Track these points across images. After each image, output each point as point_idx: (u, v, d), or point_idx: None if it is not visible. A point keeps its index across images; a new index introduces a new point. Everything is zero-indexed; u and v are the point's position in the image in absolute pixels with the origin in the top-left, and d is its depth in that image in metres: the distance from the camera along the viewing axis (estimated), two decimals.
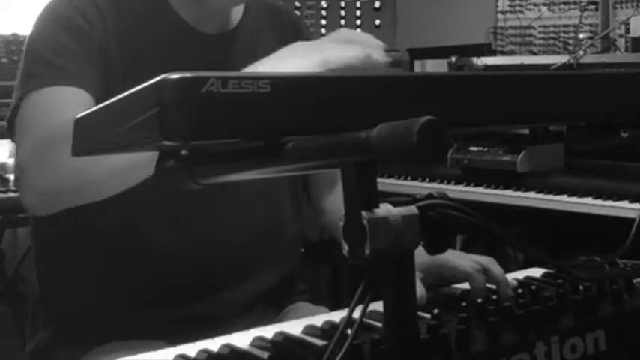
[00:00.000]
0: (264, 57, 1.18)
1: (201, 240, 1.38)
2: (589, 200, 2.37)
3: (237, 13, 1.46)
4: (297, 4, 3.25)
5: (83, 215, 1.35)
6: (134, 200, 1.27)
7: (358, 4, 3.25)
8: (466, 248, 3.00)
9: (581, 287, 1.11)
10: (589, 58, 2.70)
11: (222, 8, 1.43)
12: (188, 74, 0.66)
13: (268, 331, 1.11)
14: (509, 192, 2.57)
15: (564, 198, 2.43)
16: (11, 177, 2.67)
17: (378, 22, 3.24)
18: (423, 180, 2.84)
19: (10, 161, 3.18)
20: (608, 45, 2.80)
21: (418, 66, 3.24)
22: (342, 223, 0.68)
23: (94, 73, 1.30)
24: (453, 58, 2.85)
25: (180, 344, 1.29)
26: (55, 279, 1.44)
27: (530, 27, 3.04)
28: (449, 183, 2.75)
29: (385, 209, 0.67)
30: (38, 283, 1.47)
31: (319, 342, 1.07)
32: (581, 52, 2.72)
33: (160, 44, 1.37)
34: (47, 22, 1.34)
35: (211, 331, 1.35)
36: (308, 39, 1.41)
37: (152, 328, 1.33)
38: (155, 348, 1.18)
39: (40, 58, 1.31)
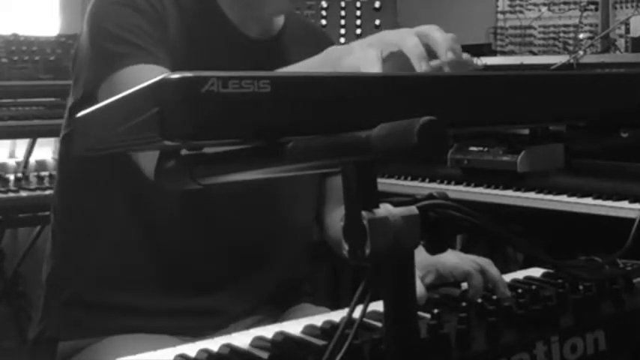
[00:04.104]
0: None
1: (215, 233, 1.39)
2: (589, 200, 2.36)
3: (279, 21, 1.50)
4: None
5: (101, 196, 1.38)
6: (151, 188, 1.27)
7: (358, 4, 3.25)
8: (466, 248, 2.99)
9: (581, 287, 1.11)
10: (589, 58, 2.70)
11: (270, 15, 1.47)
12: (188, 74, 0.66)
13: (268, 331, 1.11)
14: (509, 192, 2.57)
15: (564, 198, 2.43)
16: (11, 177, 2.67)
17: (378, 22, 3.24)
18: (423, 180, 2.83)
19: (10, 161, 3.18)
20: (608, 45, 2.80)
21: None
22: (342, 223, 0.68)
23: (165, 50, 1.31)
24: None
25: (186, 337, 1.30)
26: (65, 261, 1.45)
27: (530, 27, 3.04)
28: (449, 183, 2.75)
29: (385, 209, 0.67)
30: (49, 266, 1.48)
31: (319, 342, 1.07)
32: (581, 52, 2.72)
33: (209, 44, 1.39)
34: (112, 4, 1.33)
35: (216, 326, 1.36)
36: None
37: (158, 320, 1.34)
38: (160, 342, 1.18)
39: (118, 38, 1.29)
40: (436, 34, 1.05)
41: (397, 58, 1.05)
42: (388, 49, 1.04)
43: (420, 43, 1.03)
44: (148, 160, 1.23)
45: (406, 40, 1.04)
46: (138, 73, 1.25)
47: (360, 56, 1.02)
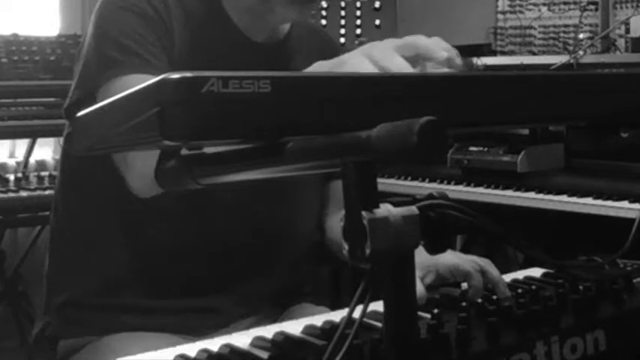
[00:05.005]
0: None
1: (216, 236, 1.39)
2: (589, 200, 2.37)
3: (285, 26, 1.50)
4: None
5: (102, 196, 1.39)
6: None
7: (358, 4, 3.25)
8: (466, 248, 2.99)
9: (581, 287, 1.11)
10: (589, 58, 2.70)
11: (278, 23, 1.46)
12: (188, 74, 0.66)
13: (268, 331, 1.11)
14: (509, 192, 2.57)
15: (564, 198, 2.43)
16: (11, 177, 2.67)
17: (378, 22, 3.24)
18: (423, 180, 2.84)
19: (10, 161, 3.18)
20: (608, 45, 2.80)
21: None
22: (342, 223, 0.68)
23: (168, 59, 1.31)
24: None
25: (187, 336, 1.30)
26: (65, 260, 1.46)
27: (530, 27, 3.04)
28: (449, 183, 2.75)
29: (385, 209, 0.67)
30: (49, 265, 1.48)
31: (319, 342, 1.07)
32: (581, 52, 2.72)
33: (214, 48, 1.39)
34: (119, 9, 1.33)
35: (217, 325, 1.36)
36: None
37: (158, 319, 1.35)
38: (160, 340, 1.18)
39: (120, 45, 1.29)
40: (423, 41, 1.04)
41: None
42: (378, 65, 1.03)
43: (406, 64, 1.01)
44: (134, 176, 1.23)
45: (392, 61, 1.01)
46: (135, 82, 1.25)
47: (357, 66, 1.01)
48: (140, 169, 1.20)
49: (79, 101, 1.31)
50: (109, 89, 1.25)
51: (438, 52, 1.02)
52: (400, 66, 0.98)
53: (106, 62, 1.29)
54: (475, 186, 2.67)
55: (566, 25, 2.94)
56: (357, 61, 0.99)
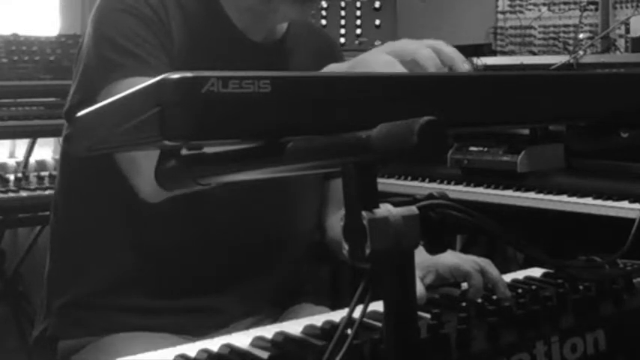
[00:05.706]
0: (299, 70, 1.20)
1: (216, 236, 1.39)
2: (589, 200, 2.36)
3: (282, 26, 1.51)
4: None
5: (102, 197, 1.39)
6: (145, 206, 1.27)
7: (358, 4, 3.25)
8: (466, 248, 2.99)
9: (581, 287, 1.11)
10: (589, 58, 2.70)
11: (279, 22, 1.47)
12: (188, 74, 0.66)
13: (268, 331, 1.11)
14: (509, 192, 2.57)
15: (564, 198, 2.43)
16: (11, 177, 2.67)
17: (378, 22, 3.24)
18: (423, 180, 2.83)
19: (11, 161, 3.18)
20: (608, 45, 2.80)
21: None
22: (342, 223, 0.68)
23: (168, 60, 1.32)
24: None
25: (187, 336, 1.30)
26: (64, 260, 1.46)
27: (530, 27, 3.04)
28: (449, 183, 2.75)
29: (385, 209, 0.67)
30: (49, 265, 1.48)
31: (319, 342, 1.07)
32: (581, 52, 2.72)
33: (213, 48, 1.39)
34: (117, 11, 1.32)
35: (217, 325, 1.36)
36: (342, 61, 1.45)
37: (158, 319, 1.35)
38: (160, 341, 1.18)
39: (121, 48, 1.29)
40: (448, 48, 1.06)
41: (408, 67, 1.06)
42: (400, 57, 1.04)
43: (434, 54, 1.03)
44: (143, 182, 1.23)
45: (421, 50, 1.03)
46: (137, 84, 1.25)
47: (374, 60, 1.02)
48: (148, 174, 1.20)
49: (79, 104, 1.31)
50: (110, 92, 1.25)
51: (461, 64, 1.04)
52: (426, 56, 1.00)
53: (107, 65, 1.29)
54: (475, 186, 2.67)
55: (566, 25, 2.94)
56: (375, 58, 1.01)
